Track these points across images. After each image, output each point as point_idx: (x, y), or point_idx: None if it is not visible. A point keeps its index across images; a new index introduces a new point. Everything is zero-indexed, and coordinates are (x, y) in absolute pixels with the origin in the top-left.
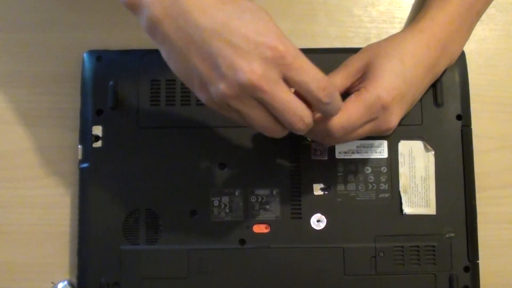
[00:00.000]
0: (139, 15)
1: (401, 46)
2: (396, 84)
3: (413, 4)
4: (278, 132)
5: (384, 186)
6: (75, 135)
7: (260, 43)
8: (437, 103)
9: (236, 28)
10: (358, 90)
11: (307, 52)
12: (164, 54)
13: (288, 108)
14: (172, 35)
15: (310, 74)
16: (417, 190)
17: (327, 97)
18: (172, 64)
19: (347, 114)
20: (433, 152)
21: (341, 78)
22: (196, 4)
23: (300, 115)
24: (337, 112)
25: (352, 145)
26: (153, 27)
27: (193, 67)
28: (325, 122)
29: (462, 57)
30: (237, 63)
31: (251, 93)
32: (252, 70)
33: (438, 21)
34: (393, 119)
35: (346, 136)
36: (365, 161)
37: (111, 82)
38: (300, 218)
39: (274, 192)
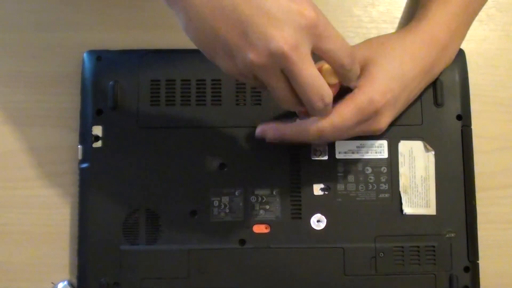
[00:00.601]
0: None
1: (402, 46)
2: (391, 87)
3: (407, 2)
4: (296, 107)
5: (384, 186)
6: (75, 135)
7: (294, 10)
8: (437, 103)
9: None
10: (354, 87)
11: None
12: (183, 22)
13: (312, 84)
14: (200, 2)
15: (338, 42)
16: (417, 190)
17: (351, 64)
18: (192, 33)
19: (340, 115)
20: (433, 152)
21: None
22: None
23: (322, 93)
24: (354, 78)
25: (352, 145)
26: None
27: (219, 35)
28: (318, 121)
29: (462, 57)
30: (269, 32)
31: (280, 63)
32: (285, 39)
33: (438, 21)
34: (384, 121)
35: (337, 136)
36: (365, 161)
37: (111, 82)
38: (300, 218)
39: (274, 192)
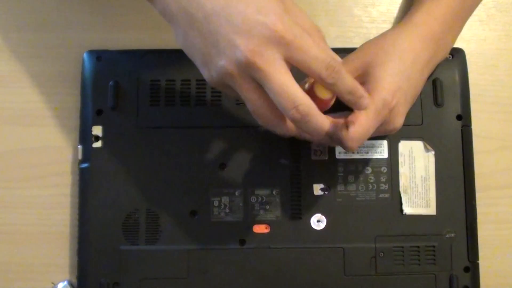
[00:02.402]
0: (153, 2)
1: (398, 43)
2: (398, 84)
3: (402, 0)
4: (274, 123)
5: (384, 186)
6: (75, 135)
7: (259, 21)
8: (437, 103)
9: (237, 7)
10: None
11: None
12: (173, 32)
13: (282, 91)
14: (177, 14)
15: (311, 53)
16: (417, 190)
17: (331, 77)
18: (179, 42)
19: (362, 126)
20: (433, 152)
21: None
22: None
23: (294, 100)
24: (348, 92)
25: None
26: (163, 8)
27: (195, 45)
28: (341, 133)
29: (462, 57)
30: (235, 40)
31: (248, 71)
32: (248, 47)
33: (433, 14)
34: (399, 120)
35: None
36: (365, 161)
37: (111, 82)
38: (300, 218)
39: (274, 192)
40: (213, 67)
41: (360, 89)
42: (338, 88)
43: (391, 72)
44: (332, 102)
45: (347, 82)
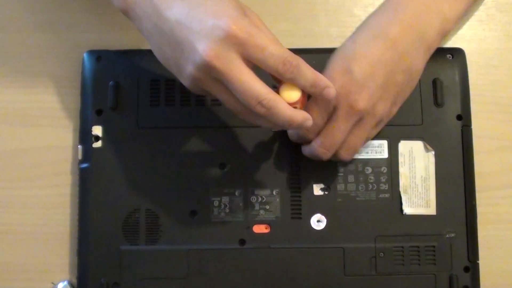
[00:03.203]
0: (130, 19)
1: (360, 26)
2: (341, 67)
3: None
4: (252, 118)
5: (384, 186)
6: (75, 135)
7: (215, 25)
8: (437, 103)
9: (196, 15)
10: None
11: (307, 52)
12: (151, 47)
13: (243, 88)
14: (150, 30)
15: (267, 50)
16: (417, 190)
17: (289, 72)
18: (157, 56)
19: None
20: (433, 152)
21: None
22: (164, 1)
23: (256, 96)
24: (310, 84)
25: None
26: (139, 26)
27: (168, 56)
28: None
29: (462, 57)
30: (195, 45)
31: (211, 73)
32: (205, 50)
33: None
34: (357, 99)
35: (331, 142)
36: (365, 161)
37: (111, 82)
38: (300, 218)
39: (274, 192)
40: (184, 74)
41: (323, 80)
42: (299, 82)
43: (336, 57)
44: (300, 104)
45: (307, 75)
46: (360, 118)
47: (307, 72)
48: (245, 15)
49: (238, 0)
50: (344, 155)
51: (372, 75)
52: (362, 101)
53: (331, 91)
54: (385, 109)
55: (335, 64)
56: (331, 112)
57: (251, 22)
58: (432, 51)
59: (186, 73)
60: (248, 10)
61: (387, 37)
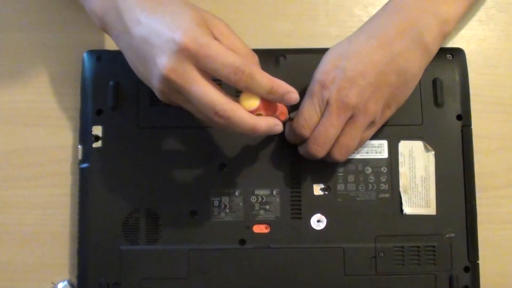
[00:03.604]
0: (111, 37)
1: (359, 28)
2: (334, 63)
3: None
4: (221, 126)
5: (384, 186)
6: (75, 135)
7: (168, 38)
8: (437, 103)
9: (156, 29)
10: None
11: (307, 52)
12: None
13: (200, 100)
14: (124, 48)
15: (218, 60)
16: (417, 190)
17: (242, 81)
18: (134, 71)
19: (300, 110)
20: (433, 152)
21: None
22: (132, 19)
23: (213, 106)
24: (267, 91)
25: None
26: (117, 44)
27: (140, 71)
28: (291, 125)
29: (462, 57)
30: (155, 60)
31: (171, 86)
32: (163, 65)
33: None
34: (348, 94)
35: (323, 140)
36: (365, 161)
37: (111, 82)
38: (300, 218)
39: (274, 192)
40: (153, 88)
41: (281, 87)
42: (254, 91)
43: (330, 54)
44: (263, 111)
45: (262, 83)
46: (352, 115)
47: (262, 80)
48: (205, 25)
49: (202, 11)
50: (337, 155)
51: (363, 73)
52: (352, 97)
53: (293, 95)
54: (376, 108)
55: (328, 60)
56: (324, 108)
57: (205, 33)
58: (431, 54)
59: (153, 87)
60: (214, 20)
61: (381, 38)
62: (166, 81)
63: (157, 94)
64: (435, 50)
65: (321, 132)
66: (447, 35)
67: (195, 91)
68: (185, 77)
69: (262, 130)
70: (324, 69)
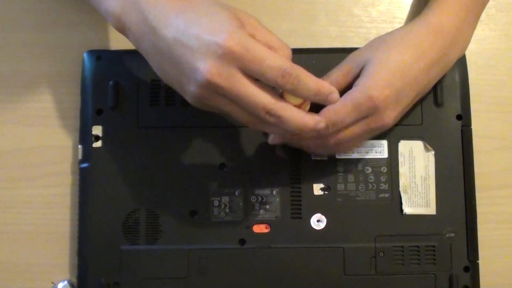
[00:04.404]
0: (128, 38)
1: (404, 38)
2: (390, 81)
3: (413, 2)
4: (262, 126)
5: (384, 186)
6: (75, 135)
7: (211, 42)
8: (437, 103)
9: (193, 32)
10: (354, 87)
11: (307, 52)
12: (152, 66)
13: (249, 101)
14: (149, 50)
15: (264, 64)
16: (417, 190)
17: (289, 84)
18: (158, 74)
19: (336, 111)
20: (433, 152)
21: (337, 74)
22: (160, 19)
23: (263, 107)
24: (314, 94)
25: None
26: (137, 46)
27: (170, 75)
28: (315, 116)
29: (462, 57)
30: (195, 64)
31: (214, 90)
32: (206, 69)
33: (446, 10)
34: (388, 116)
35: (339, 137)
36: (365, 161)
37: (111, 82)
38: (300, 218)
39: (274, 192)
40: (187, 93)
41: (325, 88)
42: (300, 93)
43: (385, 69)
44: (307, 104)
45: (309, 85)
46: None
47: (309, 82)
48: (242, 25)
49: (233, 9)
50: (340, 150)
51: (407, 94)
52: (393, 118)
53: (335, 96)
54: (395, 122)
55: (384, 74)
56: (362, 118)
57: (248, 34)
58: None
59: (189, 91)
60: (245, 17)
61: (427, 61)
62: (209, 85)
63: (191, 98)
64: None
65: (345, 135)
66: None
67: (244, 92)
68: (231, 80)
69: (310, 127)
70: (378, 85)
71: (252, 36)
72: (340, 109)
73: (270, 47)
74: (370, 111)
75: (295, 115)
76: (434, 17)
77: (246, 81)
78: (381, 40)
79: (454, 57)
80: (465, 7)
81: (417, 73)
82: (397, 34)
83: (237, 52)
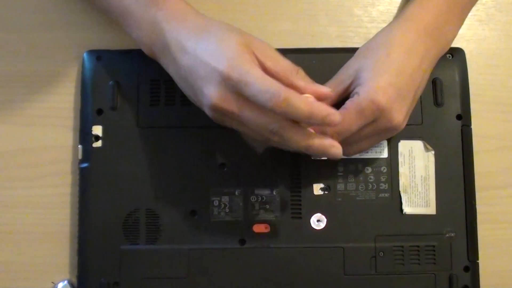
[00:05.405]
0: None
1: (387, 38)
2: (389, 81)
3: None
4: (271, 141)
5: (384, 186)
6: (75, 135)
7: (212, 68)
8: (437, 103)
9: (202, 60)
10: (353, 96)
11: (307, 52)
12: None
13: (254, 122)
14: (174, 76)
15: (254, 87)
16: (417, 190)
17: (278, 107)
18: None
19: (343, 118)
20: (433, 152)
21: (332, 85)
22: (178, 48)
23: (266, 127)
24: (306, 116)
25: None
26: (168, 72)
27: (191, 98)
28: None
29: (462, 57)
30: (203, 90)
31: (221, 113)
32: (210, 95)
33: (425, 6)
34: (396, 116)
35: (351, 144)
36: (365, 161)
37: (111, 82)
38: (300, 218)
39: (274, 192)
40: (206, 112)
41: (321, 109)
42: (292, 116)
43: (380, 71)
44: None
45: (300, 108)
46: (385, 130)
47: (300, 105)
48: (248, 51)
49: (246, 35)
50: (352, 152)
51: (408, 92)
52: (401, 118)
53: (334, 118)
54: (404, 124)
55: (380, 76)
56: (369, 122)
57: (248, 59)
58: None
59: (206, 112)
60: (255, 42)
61: (417, 56)
62: (217, 109)
63: (211, 118)
64: None
65: (354, 138)
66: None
67: (247, 115)
68: (233, 104)
69: (315, 148)
70: (378, 87)
71: (262, 63)
72: (344, 118)
73: (280, 72)
74: (375, 114)
75: (298, 135)
76: (414, 13)
77: (248, 103)
78: (366, 48)
79: (439, 51)
80: (446, 2)
81: (411, 69)
82: (380, 37)
83: (233, 78)
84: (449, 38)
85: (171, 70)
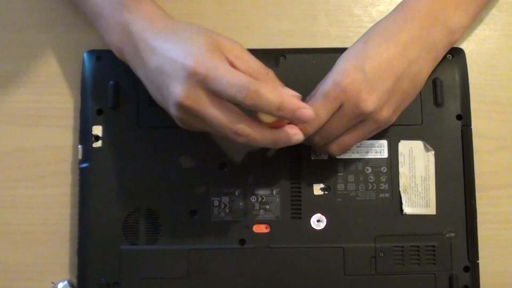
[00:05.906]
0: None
1: (371, 28)
2: (355, 65)
3: None
4: (240, 139)
5: (384, 186)
6: (75, 135)
7: (179, 66)
8: (437, 103)
9: (171, 58)
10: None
11: (307, 52)
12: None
13: (217, 121)
14: (143, 79)
15: (223, 81)
16: (417, 190)
17: (248, 98)
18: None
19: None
20: (433, 152)
21: (315, 91)
22: (147, 49)
23: (230, 126)
24: (276, 108)
25: None
26: (136, 72)
27: (158, 99)
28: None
29: (462, 57)
30: (169, 88)
31: (187, 112)
32: (176, 92)
33: None
34: (363, 100)
35: (332, 141)
36: (365, 161)
37: (111, 82)
38: (300, 218)
39: (274, 192)
40: (172, 115)
41: (291, 102)
42: (262, 108)
43: (349, 56)
44: (282, 123)
45: (270, 99)
46: (363, 120)
47: (270, 97)
48: (216, 49)
49: (215, 35)
50: (335, 150)
51: (382, 78)
52: (371, 103)
53: (306, 112)
54: (388, 115)
55: (346, 60)
56: (336, 109)
57: (215, 56)
58: (437, 62)
59: (172, 115)
60: (226, 42)
61: (398, 43)
62: (182, 108)
63: (177, 122)
64: (440, 58)
65: (329, 131)
66: (453, 44)
67: (211, 113)
68: (199, 101)
69: (282, 142)
70: (343, 70)
71: (232, 63)
72: (311, 104)
73: (250, 73)
74: (340, 97)
75: (264, 133)
76: (405, 2)
77: (213, 101)
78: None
79: (439, 39)
80: None
81: (388, 55)
82: (369, 29)
83: (200, 73)
84: (451, 26)
85: (139, 72)
